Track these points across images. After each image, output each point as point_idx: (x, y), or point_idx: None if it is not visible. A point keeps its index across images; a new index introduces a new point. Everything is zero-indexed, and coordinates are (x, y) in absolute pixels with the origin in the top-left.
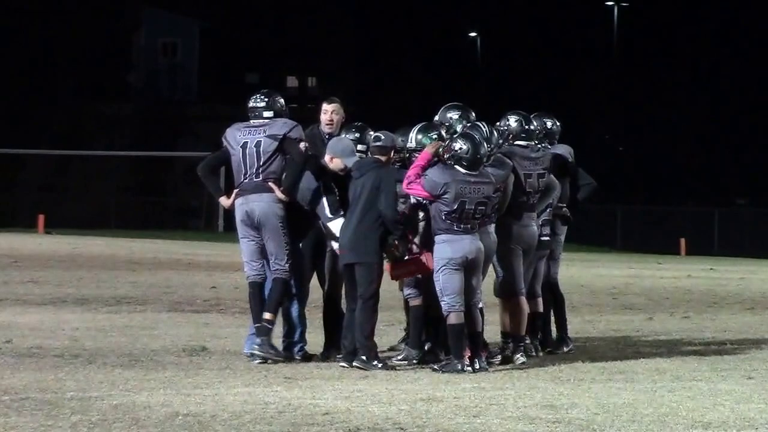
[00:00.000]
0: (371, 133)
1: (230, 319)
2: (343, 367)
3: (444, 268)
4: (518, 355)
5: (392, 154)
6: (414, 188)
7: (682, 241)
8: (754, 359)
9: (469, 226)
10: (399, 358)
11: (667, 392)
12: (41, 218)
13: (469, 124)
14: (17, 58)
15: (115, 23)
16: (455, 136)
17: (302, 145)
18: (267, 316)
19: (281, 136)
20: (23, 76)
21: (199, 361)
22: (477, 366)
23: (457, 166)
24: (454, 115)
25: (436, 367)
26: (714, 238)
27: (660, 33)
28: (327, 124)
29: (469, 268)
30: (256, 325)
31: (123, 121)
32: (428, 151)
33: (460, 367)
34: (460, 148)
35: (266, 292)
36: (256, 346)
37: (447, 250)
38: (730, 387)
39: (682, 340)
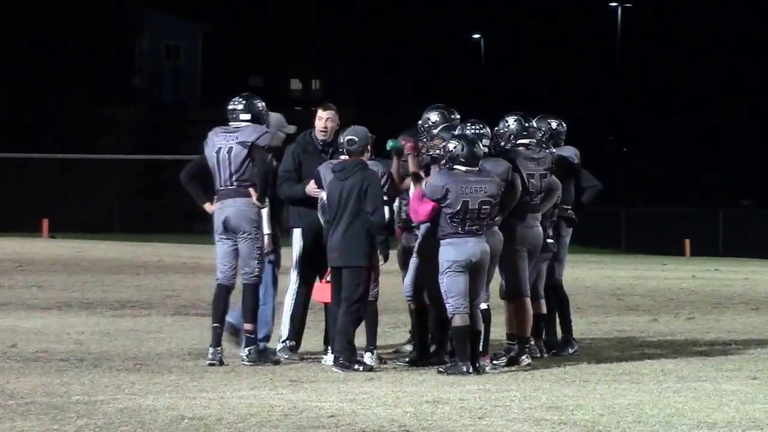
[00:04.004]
0: (352, 136)
1: None
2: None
3: (448, 270)
4: (523, 357)
5: (368, 149)
6: (422, 209)
7: (687, 242)
8: (759, 359)
9: (474, 227)
10: (407, 360)
11: (672, 393)
12: (45, 222)
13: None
14: (20, 62)
15: (118, 26)
16: (450, 138)
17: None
18: (247, 327)
19: (250, 144)
20: (26, 79)
21: (204, 364)
22: (477, 365)
23: (456, 167)
24: (432, 116)
25: (441, 369)
26: (718, 239)
27: (664, 33)
28: (321, 131)
29: (474, 270)
30: (214, 335)
31: (127, 125)
32: (417, 190)
33: (465, 369)
34: (455, 147)
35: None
36: (245, 356)
37: (451, 253)
38: (735, 387)
39: (686, 340)
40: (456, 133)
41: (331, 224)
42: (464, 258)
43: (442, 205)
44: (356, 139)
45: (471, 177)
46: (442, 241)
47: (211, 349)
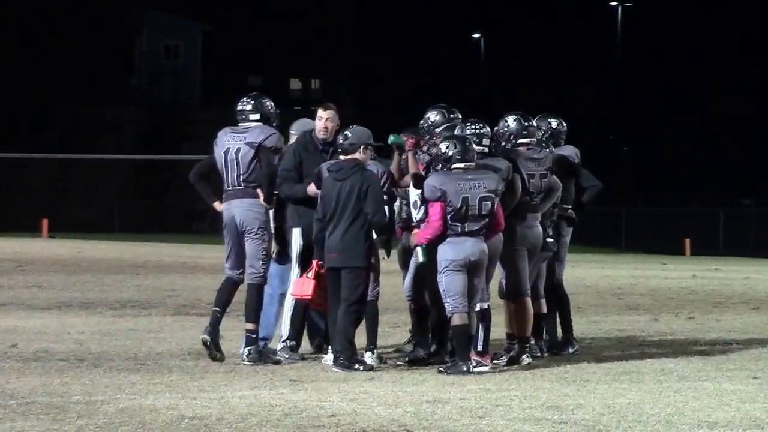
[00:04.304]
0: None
1: (235, 322)
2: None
3: (446, 269)
4: (524, 356)
5: (363, 150)
6: (432, 214)
7: (687, 241)
8: (760, 359)
9: (475, 228)
10: (407, 359)
11: (672, 392)
12: (45, 222)
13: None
14: (19, 62)
15: (117, 26)
16: (438, 142)
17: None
18: (249, 326)
19: (257, 144)
20: (25, 79)
21: (205, 364)
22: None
23: (454, 166)
24: (432, 115)
25: (441, 368)
26: (719, 239)
27: (663, 33)
28: (321, 131)
29: (472, 270)
30: (212, 317)
31: (126, 124)
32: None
33: (465, 369)
34: (447, 147)
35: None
36: (245, 356)
37: (449, 252)
38: (735, 387)
39: (687, 340)
40: (446, 134)
41: (323, 222)
42: (462, 257)
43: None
44: (349, 135)
45: (469, 174)
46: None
47: (208, 329)
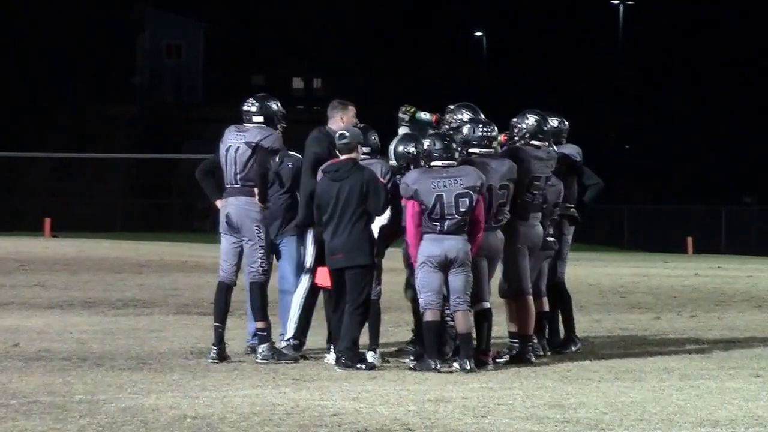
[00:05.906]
0: (374, 135)
1: (237, 321)
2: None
3: (423, 265)
4: (526, 355)
5: (360, 149)
6: (407, 222)
7: (689, 239)
8: (762, 357)
9: (454, 226)
10: (412, 358)
11: (675, 391)
12: (47, 221)
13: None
14: (21, 61)
15: (120, 25)
16: (425, 138)
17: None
18: (259, 325)
19: (254, 144)
20: (27, 78)
21: (207, 363)
22: (467, 367)
23: (434, 164)
24: (464, 116)
25: (411, 366)
26: (721, 237)
27: (665, 31)
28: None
29: (452, 267)
30: (215, 333)
31: (128, 123)
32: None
33: (433, 366)
34: (428, 144)
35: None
36: (260, 355)
37: (426, 248)
38: (737, 385)
39: (689, 338)
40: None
41: (323, 223)
42: (438, 254)
43: (418, 203)
44: (347, 134)
45: (445, 172)
46: (423, 237)
47: (214, 348)
